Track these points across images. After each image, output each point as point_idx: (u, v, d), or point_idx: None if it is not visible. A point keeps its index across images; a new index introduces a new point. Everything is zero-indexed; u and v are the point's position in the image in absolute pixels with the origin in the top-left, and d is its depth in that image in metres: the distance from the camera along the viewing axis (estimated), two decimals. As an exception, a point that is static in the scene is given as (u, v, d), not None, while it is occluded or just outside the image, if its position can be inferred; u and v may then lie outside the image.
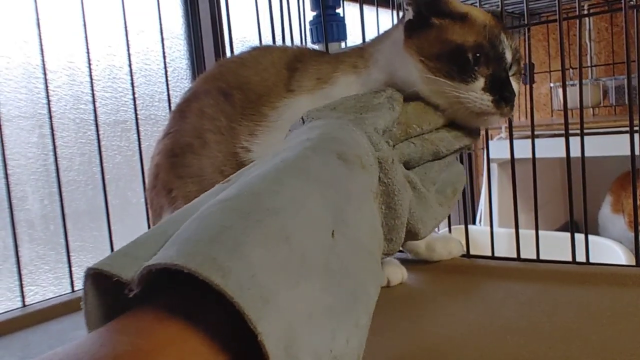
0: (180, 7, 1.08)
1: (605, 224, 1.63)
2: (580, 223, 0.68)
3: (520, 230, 0.72)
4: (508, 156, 0.71)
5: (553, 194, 1.75)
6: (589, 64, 1.76)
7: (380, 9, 1.01)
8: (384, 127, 0.43)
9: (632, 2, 0.68)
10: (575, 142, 0.66)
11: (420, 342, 0.50)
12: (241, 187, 0.31)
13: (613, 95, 1.61)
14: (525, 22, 0.74)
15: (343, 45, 0.85)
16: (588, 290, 0.59)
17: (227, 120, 0.59)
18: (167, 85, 0.92)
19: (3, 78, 0.83)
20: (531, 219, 0.71)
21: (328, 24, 0.83)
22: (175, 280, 0.25)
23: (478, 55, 0.49)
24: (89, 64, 0.82)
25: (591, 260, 0.66)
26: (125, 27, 0.85)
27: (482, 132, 0.81)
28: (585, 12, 1.46)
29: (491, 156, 1.44)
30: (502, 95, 0.48)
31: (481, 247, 0.82)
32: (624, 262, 1.09)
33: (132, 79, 0.86)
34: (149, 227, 0.75)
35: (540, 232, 0.71)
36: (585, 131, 0.67)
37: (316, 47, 0.84)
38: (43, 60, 0.76)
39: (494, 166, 1.56)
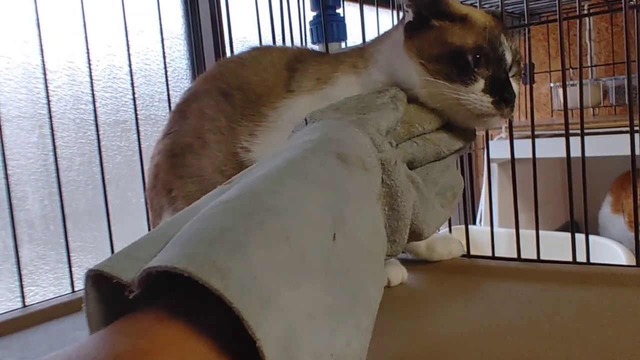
0: (180, 7, 1.08)
1: (606, 224, 1.63)
2: (581, 223, 0.68)
3: (521, 230, 0.72)
4: (508, 156, 0.71)
5: (553, 194, 1.75)
6: (589, 64, 1.76)
7: (380, 9, 1.01)
8: (387, 127, 0.43)
9: (632, 2, 0.68)
10: (575, 142, 0.66)
11: (421, 342, 0.50)
12: (242, 188, 0.31)
13: (613, 95, 1.61)
14: (525, 22, 0.74)
15: (343, 45, 0.85)
16: (588, 290, 0.59)
17: (227, 120, 0.59)
18: (167, 85, 0.91)
19: (3, 78, 0.83)
20: (531, 219, 0.71)
21: (328, 24, 0.83)
22: (176, 280, 0.25)
23: (478, 56, 0.49)
24: (89, 64, 0.82)
25: (591, 260, 0.66)
26: (125, 27, 0.85)
27: (482, 132, 0.81)
28: (585, 12, 1.46)
29: (491, 156, 1.44)
30: (502, 97, 0.48)
31: (481, 247, 0.82)
32: (624, 262, 1.09)
33: (132, 79, 0.86)
34: (149, 227, 0.74)
35: (540, 232, 0.71)
36: (586, 131, 0.67)
37: (316, 47, 0.84)
38: (43, 60, 0.76)
39: (494, 166, 1.57)
